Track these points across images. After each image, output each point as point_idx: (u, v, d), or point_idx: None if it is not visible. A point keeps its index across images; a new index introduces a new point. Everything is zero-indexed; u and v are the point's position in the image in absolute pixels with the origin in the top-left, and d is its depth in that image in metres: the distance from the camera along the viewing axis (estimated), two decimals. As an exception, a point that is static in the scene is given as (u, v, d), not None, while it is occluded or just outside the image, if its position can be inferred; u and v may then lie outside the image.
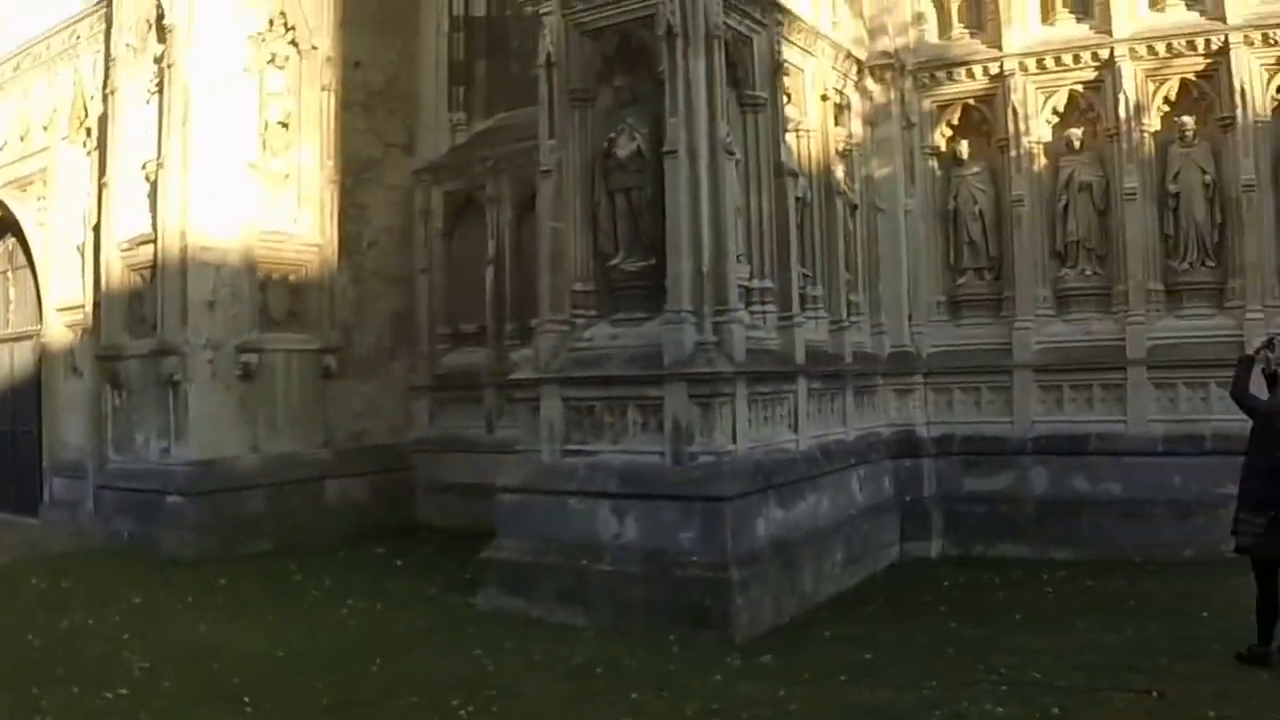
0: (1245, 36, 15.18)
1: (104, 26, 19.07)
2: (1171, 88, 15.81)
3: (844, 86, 16.39)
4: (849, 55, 16.46)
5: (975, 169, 17.00)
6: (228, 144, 17.45)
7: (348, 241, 19.53)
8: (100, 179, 18.69)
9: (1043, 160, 16.49)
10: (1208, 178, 15.50)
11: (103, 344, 18.48)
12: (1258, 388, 10.51)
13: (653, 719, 9.25)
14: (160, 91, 17.54)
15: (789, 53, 14.57)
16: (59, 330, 20.33)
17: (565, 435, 13.23)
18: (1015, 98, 16.43)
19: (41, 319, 20.96)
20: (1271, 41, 15.14)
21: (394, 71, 20.74)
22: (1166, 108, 15.85)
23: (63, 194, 20.22)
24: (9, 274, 23.03)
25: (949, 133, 17.25)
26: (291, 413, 18.34)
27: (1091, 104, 16.23)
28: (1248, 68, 15.21)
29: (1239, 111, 15.19)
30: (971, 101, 17.05)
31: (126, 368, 17.92)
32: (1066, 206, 16.32)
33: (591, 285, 13.61)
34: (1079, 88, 16.31)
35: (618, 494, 12.60)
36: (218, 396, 17.21)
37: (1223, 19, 15.34)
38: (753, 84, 13.88)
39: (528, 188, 17.87)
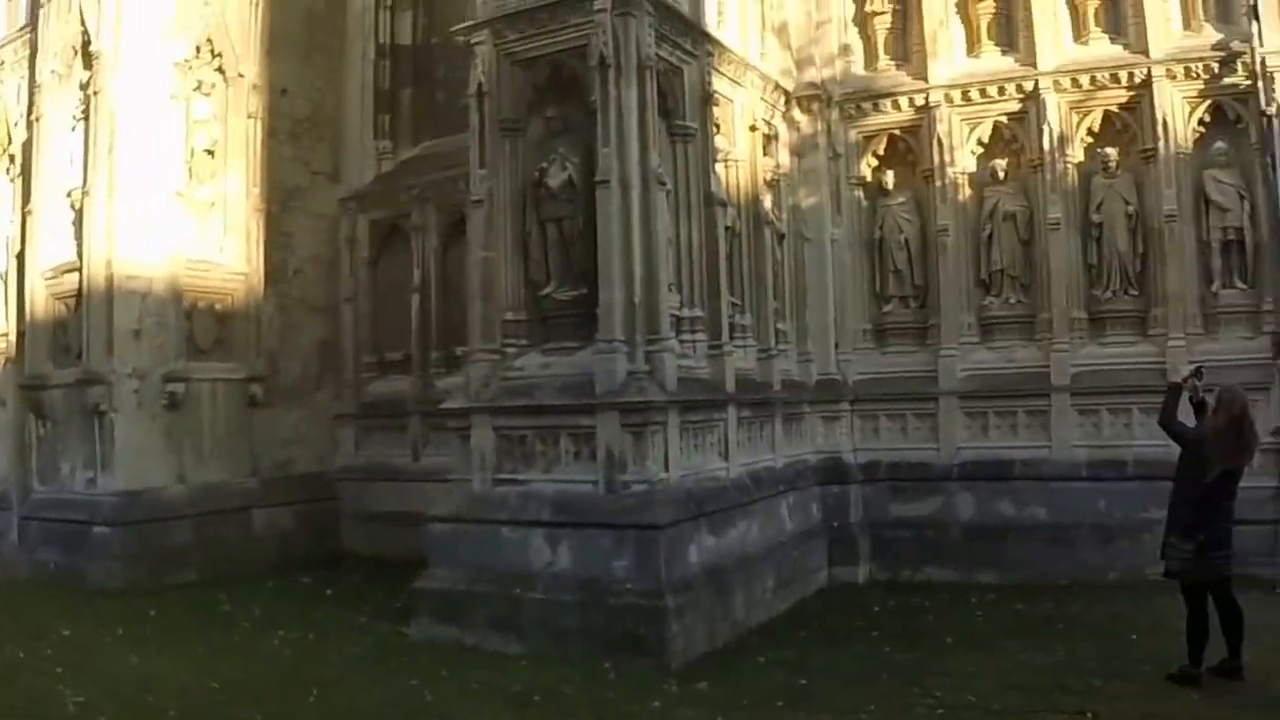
0: (1167, 70, 15.54)
1: (29, 52, 18.91)
2: (1095, 119, 16.13)
3: (772, 117, 16.52)
4: (777, 86, 16.60)
5: (901, 199, 17.17)
6: (154, 172, 17.28)
7: (274, 270, 19.39)
8: (24, 206, 18.48)
9: (967, 190, 16.72)
10: (1130, 208, 15.81)
11: (27, 373, 18.22)
12: (1185, 416, 10.71)
13: (594, 746, 9.28)
14: (86, 118, 17.39)
15: (719, 83, 14.68)
16: (-19, 359, 20.01)
17: (497, 464, 13.19)
18: (940, 129, 16.66)
19: (-37, 348, 20.59)
20: (1193, 75, 15.50)
21: (320, 99, 20.68)
22: (1090, 139, 16.17)
23: (-15, 221, 19.92)
24: (-71, 302, 22.60)
25: (875, 163, 17.41)
26: (218, 442, 18.14)
27: (1016, 135, 16.51)
28: (1170, 100, 15.56)
29: (1161, 143, 15.53)
30: (897, 132, 17.24)
31: (51, 397, 17.70)
32: (991, 236, 16.55)
33: (523, 314, 13.61)
34: (1003, 119, 16.58)
35: (551, 523, 12.57)
36: (144, 426, 17.01)
37: (1145, 53, 15.71)
38: (683, 114, 13.96)
39: (454, 216, 18.07)
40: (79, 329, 17.21)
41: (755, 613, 13.56)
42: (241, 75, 18.71)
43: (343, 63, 20.95)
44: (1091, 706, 9.48)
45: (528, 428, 13.07)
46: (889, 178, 17.23)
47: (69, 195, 17.53)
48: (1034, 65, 16.23)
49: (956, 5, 16.99)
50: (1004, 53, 16.71)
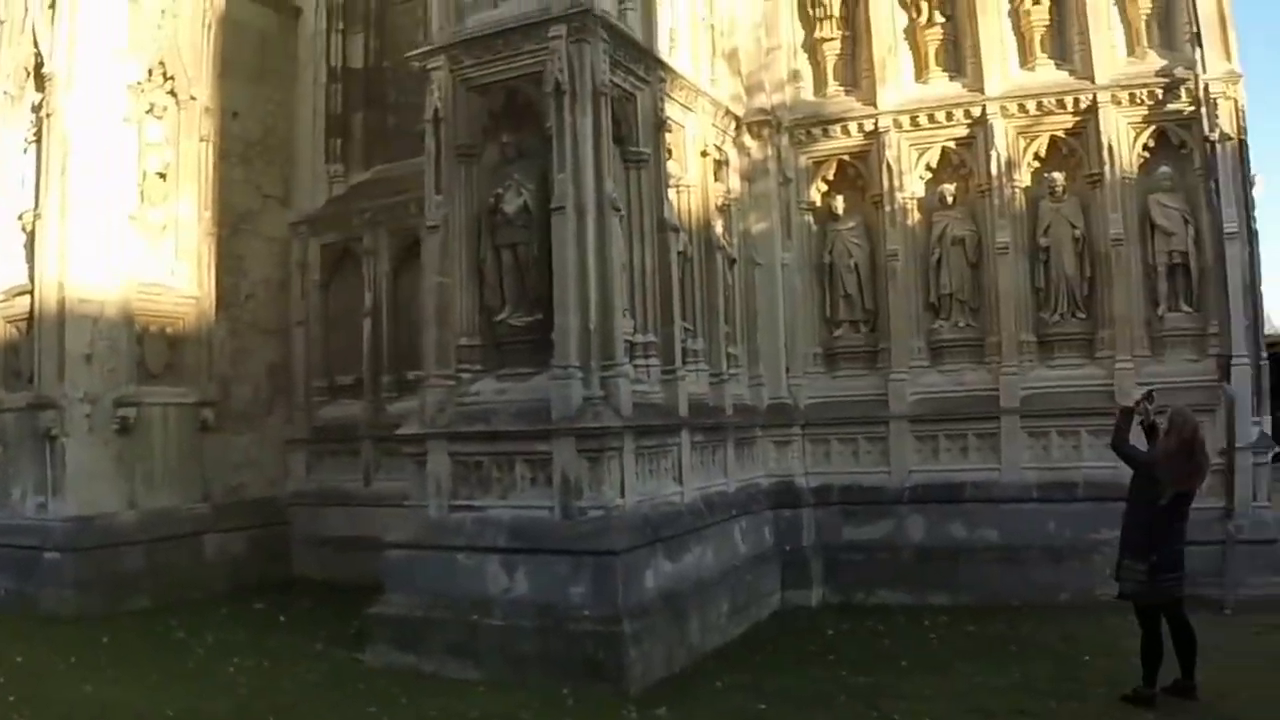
0: (1113, 95, 15.81)
1: (-20, 74, 18.74)
2: (1042, 144, 16.40)
3: (723, 143, 16.63)
4: (728, 112, 16.72)
5: (850, 224, 17.36)
6: (107, 194, 17.16)
7: (225, 294, 19.29)
8: (-25, 229, 18.31)
9: (916, 215, 16.93)
10: (1077, 232, 16.07)
11: (-23, 397, 18.06)
12: (1137, 439, 10.86)
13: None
14: (38, 140, 17.31)
15: (671, 109, 14.76)
16: (-69, 383, 19.77)
17: (453, 490, 13.20)
18: (889, 154, 16.88)
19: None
20: (1138, 101, 15.80)
21: (272, 122, 20.67)
22: (1037, 164, 16.43)
23: (-64, 244, 19.71)
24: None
25: (825, 188, 17.61)
26: (169, 467, 18.01)
27: (964, 160, 16.73)
28: (1115, 126, 15.84)
29: (1107, 168, 15.81)
30: (847, 158, 17.44)
31: (2, 421, 17.50)
32: (940, 260, 16.74)
33: (478, 340, 13.62)
34: (952, 144, 16.81)
35: (507, 549, 12.58)
36: (95, 451, 16.87)
37: (1091, 79, 15.98)
38: (637, 140, 14.06)
39: (405, 240, 18.14)
40: (30, 353, 17.07)
41: (711, 637, 13.58)
42: (194, 98, 18.63)
43: (294, 86, 20.97)
44: (1049, 727, 9.62)
45: (484, 454, 13.07)
46: (839, 203, 17.41)
47: (20, 218, 17.41)
48: (981, 91, 16.50)
49: (905, 31, 17.25)
50: (952, 78, 16.96)
